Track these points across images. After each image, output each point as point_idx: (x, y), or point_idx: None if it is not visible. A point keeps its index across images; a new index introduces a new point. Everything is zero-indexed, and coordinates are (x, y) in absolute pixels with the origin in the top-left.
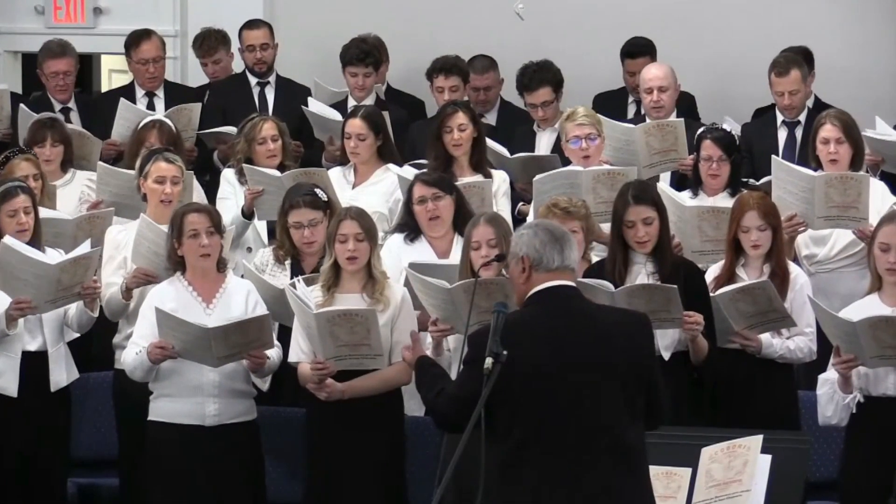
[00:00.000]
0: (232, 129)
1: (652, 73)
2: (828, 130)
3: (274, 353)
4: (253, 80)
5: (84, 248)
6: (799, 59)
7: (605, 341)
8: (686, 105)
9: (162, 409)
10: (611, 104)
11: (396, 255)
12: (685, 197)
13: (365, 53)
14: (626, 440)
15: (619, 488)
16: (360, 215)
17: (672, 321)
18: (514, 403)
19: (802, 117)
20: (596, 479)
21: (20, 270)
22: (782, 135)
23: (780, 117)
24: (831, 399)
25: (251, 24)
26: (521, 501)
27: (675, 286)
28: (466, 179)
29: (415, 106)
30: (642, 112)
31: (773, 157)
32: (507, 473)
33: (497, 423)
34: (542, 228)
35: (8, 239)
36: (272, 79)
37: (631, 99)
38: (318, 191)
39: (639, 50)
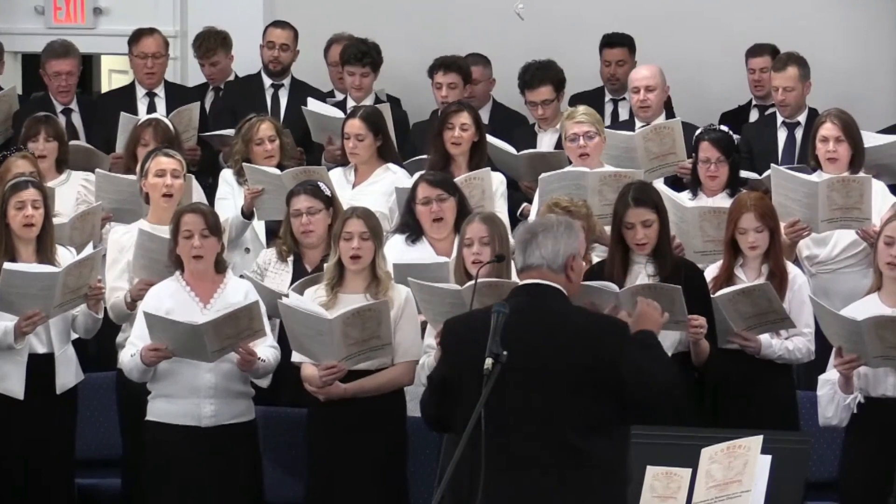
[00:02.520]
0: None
1: (640, 74)
2: (827, 129)
3: (270, 355)
4: (267, 82)
5: (88, 249)
6: (801, 58)
7: (550, 344)
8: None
9: (159, 410)
10: (588, 103)
11: (398, 256)
12: (685, 198)
13: (362, 53)
14: (561, 445)
15: (546, 493)
16: (366, 215)
17: (676, 324)
18: (463, 399)
19: (802, 118)
20: (523, 482)
21: (26, 288)
22: (782, 135)
23: (779, 118)
24: (832, 400)
25: (278, 23)
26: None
27: (679, 287)
28: (466, 174)
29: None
30: (619, 111)
31: (773, 165)
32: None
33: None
34: (523, 228)
35: (7, 265)
36: (286, 81)
37: (608, 97)
38: (321, 184)
39: (617, 40)
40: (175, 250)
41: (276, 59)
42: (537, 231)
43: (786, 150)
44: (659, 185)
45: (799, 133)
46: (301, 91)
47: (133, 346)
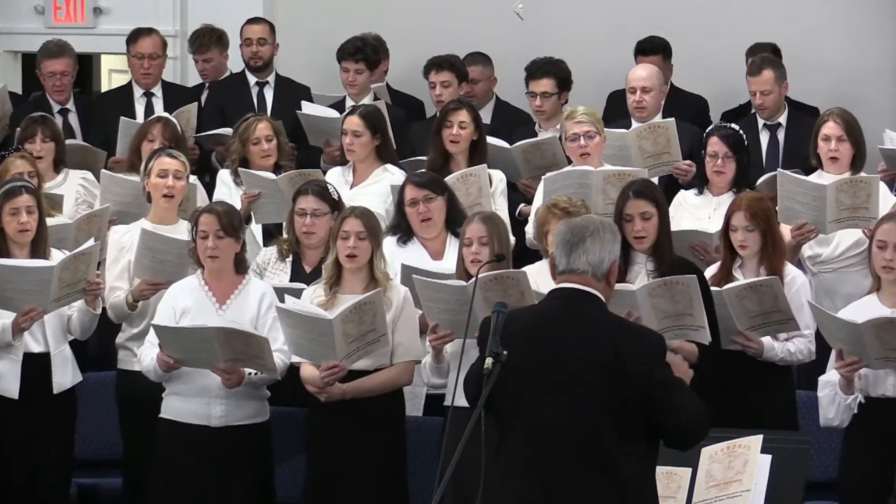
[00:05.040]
0: (229, 131)
1: (637, 74)
2: (829, 128)
3: (277, 359)
4: (252, 80)
5: (87, 244)
6: (775, 60)
7: (586, 351)
8: (697, 108)
9: (172, 408)
10: (624, 102)
11: (389, 257)
12: (693, 199)
13: (356, 49)
14: (593, 452)
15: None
16: (364, 214)
17: (696, 329)
18: (497, 398)
19: (783, 119)
20: (560, 489)
21: (21, 283)
22: (764, 138)
23: (760, 121)
24: (833, 401)
25: (252, 20)
26: (496, 498)
27: (694, 276)
28: (463, 170)
29: (414, 107)
30: None
31: (780, 170)
32: (489, 468)
33: (489, 418)
34: (564, 227)
35: (1, 260)
36: (271, 78)
37: None
38: (330, 186)
39: (651, 48)
40: (195, 249)
41: (256, 54)
42: (585, 235)
43: (770, 152)
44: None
45: (781, 134)
46: (286, 88)
47: (152, 344)
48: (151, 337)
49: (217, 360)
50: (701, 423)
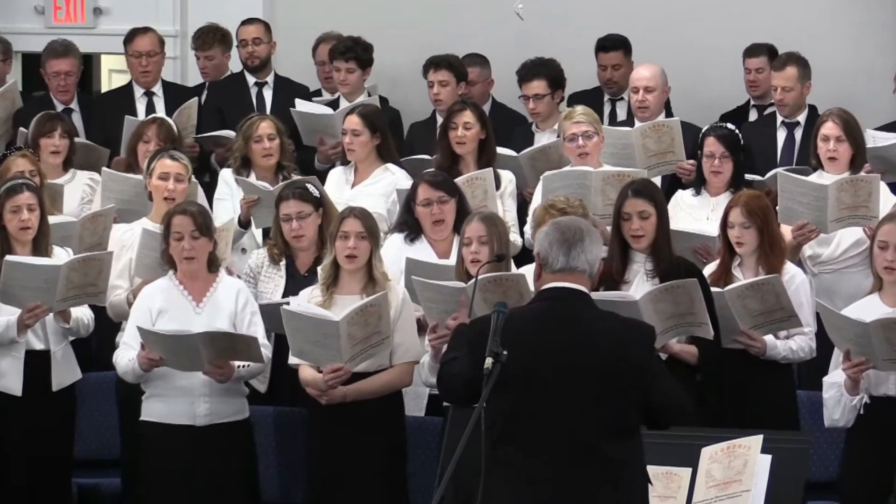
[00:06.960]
0: (230, 133)
1: (640, 74)
2: (828, 128)
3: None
4: (251, 80)
5: (100, 251)
6: (802, 58)
7: (589, 348)
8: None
9: (154, 410)
10: (585, 103)
11: (396, 255)
12: (691, 198)
13: (347, 48)
14: (601, 448)
15: (588, 495)
16: (363, 215)
17: (699, 326)
18: (495, 398)
19: (802, 118)
20: (564, 484)
21: (28, 280)
22: (781, 135)
23: (779, 118)
24: (838, 402)
25: (247, 21)
26: (498, 496)
27: (695, 279)
28: (469, 173)
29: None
30: (617, 111)
31: (780, 171)
32: (489, 467)
33: (487, 417)
34: (556, 227)
35: (10, 256)
36: (270, 78)
37: (606, 97)
38: (309, 186)
39: (612, 44)
40: (167, 251)
41: (252, 54)
42: (583, 234)
43: (785, 150)
44: (678, 225)
45: (798, 133)
46: (285, 88)
47: (128, 346)
48: (127, 339)
49: (203, 366)
50: (687, 406)
